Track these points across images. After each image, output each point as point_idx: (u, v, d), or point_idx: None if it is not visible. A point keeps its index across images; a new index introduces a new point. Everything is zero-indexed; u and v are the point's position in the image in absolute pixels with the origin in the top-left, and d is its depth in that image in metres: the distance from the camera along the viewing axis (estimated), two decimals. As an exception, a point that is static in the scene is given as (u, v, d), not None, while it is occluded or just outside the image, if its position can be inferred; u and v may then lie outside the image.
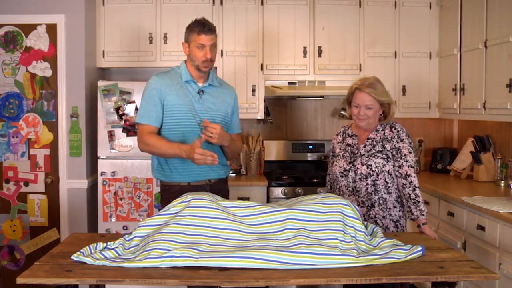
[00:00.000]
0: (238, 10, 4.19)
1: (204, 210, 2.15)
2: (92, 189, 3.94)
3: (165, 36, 4.13)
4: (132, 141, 3.80)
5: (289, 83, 4.25)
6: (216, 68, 4.15)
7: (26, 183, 3.84)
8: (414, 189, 2.58)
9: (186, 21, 2.82)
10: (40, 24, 3.80)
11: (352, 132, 2.80)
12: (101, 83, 3.84)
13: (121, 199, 3.83)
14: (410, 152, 2.63)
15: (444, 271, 1.92)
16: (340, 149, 2.80)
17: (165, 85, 2.73)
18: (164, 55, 4.14)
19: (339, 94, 4.33)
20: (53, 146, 3.84)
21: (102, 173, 3.83)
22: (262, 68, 4.22)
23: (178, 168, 2.74)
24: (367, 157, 2.66)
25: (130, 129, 3.81)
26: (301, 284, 1.99)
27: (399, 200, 2.68)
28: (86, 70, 3.87)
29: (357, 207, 2.28)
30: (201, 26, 2.69)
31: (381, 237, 2.23)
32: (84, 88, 3.85)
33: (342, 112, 4.52)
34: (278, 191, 3.96)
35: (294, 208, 2.20)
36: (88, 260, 1.95)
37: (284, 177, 4.17)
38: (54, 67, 3.82)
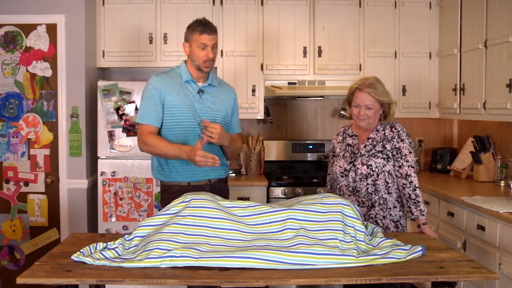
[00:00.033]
0: (238, 10, 4.19)
1: (204, 210, 2.15)
2: (92, 189, 3.94)
3: (165, 36, 4.14)
4: (132, 141, 3.80)
5: (289, 83, 4.25)
6: (216, 68, 4.15)
7: (26, 183, 3.84)
8: (414, 189, 2.58)
9: (186, 21, 2.82)
10: (40, 24, 3.80)
11: (352, 132, 2.80)
12: (101, 83, 3.84)
13: (121, 199, 3.83)
14: (410, 152, 2.63)
15: (444, 271, 1.92)
16: (340, 149, 2.80)
17: (165, 85, 2.73)
18: (164, 55, 4.14)
19: (339, 94, 4.34)
20: (53, 146, 3.84)
21: (102, 173, 3.83)
22: (262, 68, 4.22)
23: (178, 168, 2.74)
24: (367, 157, 2.66)
25: (130, 129, 3.81)
26: (301, 284, 1.99)
27: (400, 200, 2.68)
28: (86, 70, 3.87)
29: (357, 207, 2.28)
30: (204, 26, 2.70)
31: (381, 237, 2.23)
32: (84, 88, 3.85)
33: (342, 112, 4.52)
34: (278, 191, 3.96)
35: (294, 208, 2.20)
36: (88, 260, 1.95)
37: (284, 177, 4.17)
38: (54, 67, 3.82)
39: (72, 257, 1.99)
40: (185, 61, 2.83)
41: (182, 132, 2.71)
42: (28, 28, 3.79)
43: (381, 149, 2.66)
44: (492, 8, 3.46)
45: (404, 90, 4.31)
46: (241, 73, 4.21)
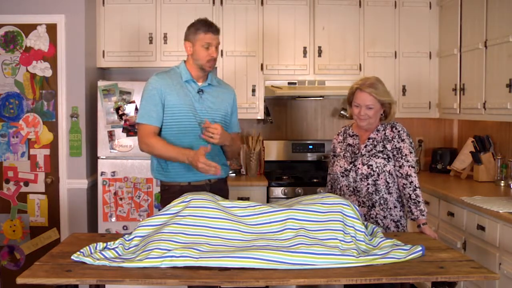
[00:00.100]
0: (238, 10, 4.19)
1: (204, 210, 2.15)
2: (92, 189, 3.94)
3: (165, 36, 4.13)
4: (132, 141, 3.80)
5: (289, 83, 4.25)
6: (216, 68, 4.15)
7: (26, 183, 3.84)
8: (415, 189, 2.58)
9: (186, 21, 2.82)
10: (40, 24, 3.80)
11: (353, 132, 2.80)
12: (101, 83, 3.84)
13: (121, 199, 3.83)
14: (411, 152, 2.63)
15: (444, 271, 1.92)
16: (341, 149, 2.80)
17: (165, 84, 2.73)
18: (164, 55, 4.14)
19: (339, 94, 4.34)
20: (53, 146, 3.84)
21: (102, 173, 3.83)
22: (262, 68, 4.22)
23: (177, 168, 2.74)
24: (368, 157, 2.66)
25: (130, 129, 3.81)
26: (301, 284, 1.99)
27: (400, 200, 2.68)
28: (86, 70, 3.87)
29: (357, 207, 2.28)
30: (208, 26, 2.71)
31: (381, 237, 2.23)
32: (84, 88, 3.85)
33: (342, 112, 4.52)
34: (278, 191, 3.96)
35: (294, 208, 2.20)
36: (88, 260, 1.95)
37: (284, 177, 4.17)
38: (54, 67, 3.82)
39: (72, 257, 1.99)
40: (185, 61, 2.83)
41: (182, 132, 2.71)
42: (28, 28, 3.79)
43: (382, 149, 2.66)
44: (492, 8, 3.46)
45: (404, 90, 4.31)
46: (241, 73, 4.21)
